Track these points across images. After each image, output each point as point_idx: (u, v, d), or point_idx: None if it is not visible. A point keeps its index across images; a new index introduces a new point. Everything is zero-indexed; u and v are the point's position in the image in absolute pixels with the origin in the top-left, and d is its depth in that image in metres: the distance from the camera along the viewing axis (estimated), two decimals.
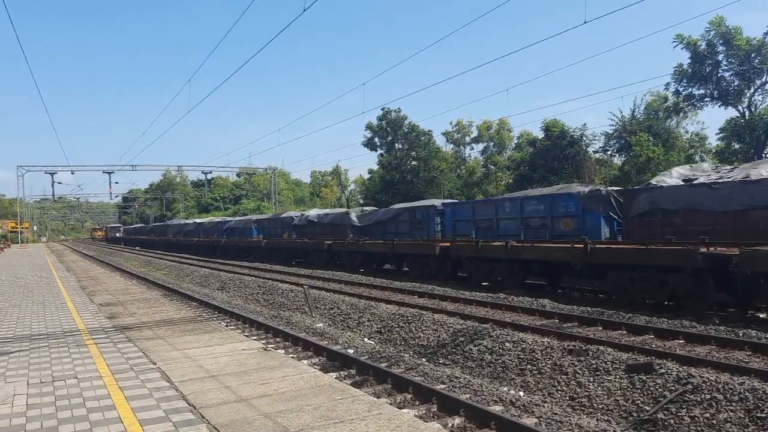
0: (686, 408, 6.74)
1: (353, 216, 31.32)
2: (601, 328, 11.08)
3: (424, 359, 10.26)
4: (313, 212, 38.90)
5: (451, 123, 63.50)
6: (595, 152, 45.54)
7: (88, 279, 22.33)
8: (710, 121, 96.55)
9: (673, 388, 7.20)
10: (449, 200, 32.61)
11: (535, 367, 8.85)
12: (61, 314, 12.08)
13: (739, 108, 35.03)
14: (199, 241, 50.76)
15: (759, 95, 34.52)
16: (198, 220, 64.58)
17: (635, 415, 6.95)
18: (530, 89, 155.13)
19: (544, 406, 7.27)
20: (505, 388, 8.30)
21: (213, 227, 53.63)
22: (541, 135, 46.40)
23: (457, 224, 23.49)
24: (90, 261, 41.71)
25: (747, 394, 6.65)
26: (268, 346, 10.03)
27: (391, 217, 28.27)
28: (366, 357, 10.07)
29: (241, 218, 52.40)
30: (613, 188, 19.29)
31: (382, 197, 54.63)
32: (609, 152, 45.27)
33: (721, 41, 33.23)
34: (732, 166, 18.12)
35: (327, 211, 38.41)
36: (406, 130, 56.48)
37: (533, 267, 16.54)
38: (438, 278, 19.71)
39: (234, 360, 7.35)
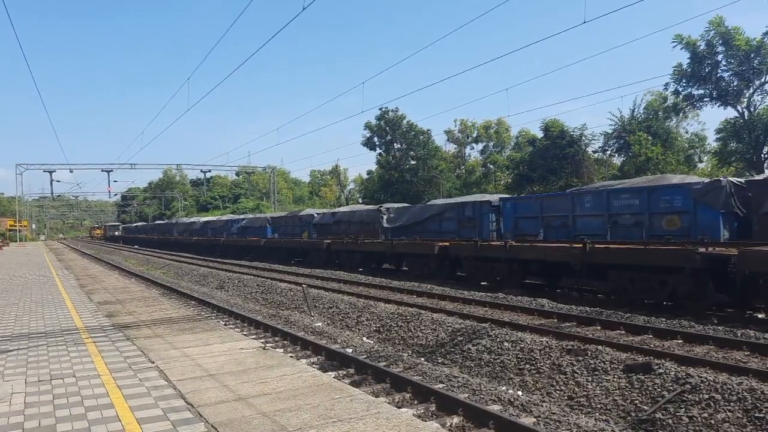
0: (684, 408, 6.74)
1: (386, 213, 28.24)
2: (599, 327, 11.08)
3: (422, 358, 10.26)
4: (342, 209, 35.72)
5: (455, 121, 63.59)
6: (595, 152, 45.61)
7: (87, 277, 22.31)
8: (709, 121, 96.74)
9: (671, 387, 7.20)
10: (505, 195, 29.24)
11: (533, 367, 8.85)
12: (60, 313, 12.07)
13: (738, 108, 35.08)
14: (207, 240, 48.29)
15: (758, 95, 34.59)
16: (205, 219, 61.38)
17: (633, 414, 6.95)
18: (529, 89, 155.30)
19: (542, 406, 7.27)
20: (504, 388, 8.30)
21: (222, 226, 50.89)
22: (540, 135, 46.46)
23: (520, 222, 20.69)
24: (89, 259, 41.68)
25: (745, 394, 6.66)
26: (267, 345, 10.03)
27: (433, 214, 25.05)
28: (365, 356, 10.07)
29: (255, 216, 49.58)
30: (735, 179, 16.03)
31: (381, 196, 54.64)
32: (608, 152, 45.33)
33: (720, 41, 33.27)
34: None
35: (355, 207, 35.22)
36: (404, 130, 56.52)
37: (532, 267, 16.54)
38: (437, 278, 19.71)
39: (233, 359, 7.35)
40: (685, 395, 6.96)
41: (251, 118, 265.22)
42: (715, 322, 10.90)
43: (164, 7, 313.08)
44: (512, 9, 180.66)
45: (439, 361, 10.09)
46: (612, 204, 17.56)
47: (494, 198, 23.28)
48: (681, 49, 34.64)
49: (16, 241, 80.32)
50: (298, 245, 32.50)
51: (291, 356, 9.58)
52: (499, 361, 9.37)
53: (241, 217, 52.17)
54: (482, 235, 21.38)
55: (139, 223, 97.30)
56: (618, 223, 17.25)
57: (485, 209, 22.61)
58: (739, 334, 9.77)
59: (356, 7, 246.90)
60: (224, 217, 57.13)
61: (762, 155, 33.89)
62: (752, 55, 32.60)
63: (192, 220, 64.29)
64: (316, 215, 35.30)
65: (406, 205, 31.33)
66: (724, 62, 33.96)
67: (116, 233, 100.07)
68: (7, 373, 6.85)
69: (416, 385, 7.81)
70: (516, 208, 21.33)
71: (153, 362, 7.25)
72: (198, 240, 50.70)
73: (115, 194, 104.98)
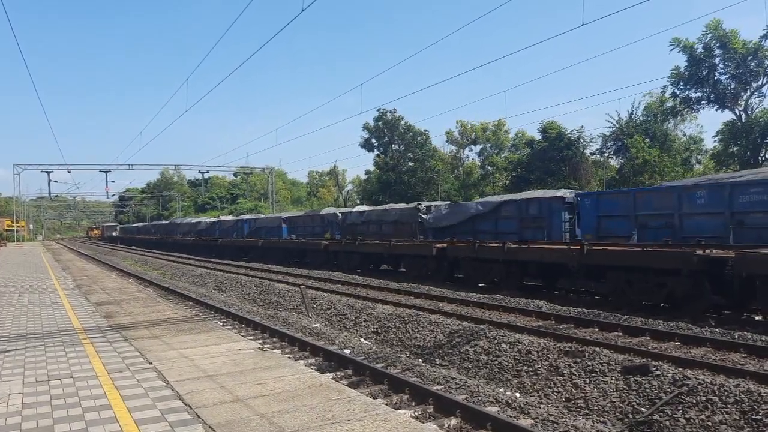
0: (682, 410, 6.75)
1: (427, 212, 25.63)
2: (597, 329, 11.09)
3: (420, 360, 10.27)
4: (372, 208, 33.14)
5: (457, 122, 63.59)
6: (592, 154, 45.68)
7: (84, 278, 22.28)
8: (706, 123, 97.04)
9: (668, 389, 7.21)
10: (585, 191, 26.59)
11: (531, 369, 8.86)
12: (57, 313, 12.05)
13: (736, 111, 35.15)
14: (214, 242, 44.90)
15: (755, 98, 34.66)
16: (210, 219, 58.29)
17: (631, 416, 6.96)
18: (528, 91, 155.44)
19: (540, 408, 7.28)
20: (502, 389, 8.31)
21: (232, 226, 48.16)
22: (538, 137, 46.52)
23: (604, 221, 17.78)
24: (86, 260, 41.61)
25: (742, 396, 6.68)
26: (265, 346, 10.02)
27: (487, 212, 22.18)
28: (362, 357, 10.06)
29: (269, 216, 46.95)
30: None
31: (379, 197, 54.66)
32: (606, 154, 45.40)
33: (717, 44, 33.34)
34: None
35: (388, 206, 32.04)
36: (402, 131, 56.55)
37: (530, 268, 16.55)
38: (435, 279, 19.71)
39: (230, 360, 7.34)
40: (683, 397, 6.98)
41: (250, 118, 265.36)
42: (713, 324, 10.92)
43: (163, 8, 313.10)
44: (511, 11, 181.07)
45: (437, 362, 10.09)
46: (736, 200, 14.63)
47: (567, 193, 20.62)
48: (678, 52, 34.71)
49: (14, 242, 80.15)
50: (296, 246, 32.43)
51: (289, 357, 9.58)
52: (496, 362, 9.38)
53: (253, 216, 49.57)
54: (552, 237, 18.99)
55: (140, 224, 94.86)
56: (745, 224, 14.42)
57: (555, 206, 19.70)
58: (736, 336, 9.79)
59: (355, 8, 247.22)
60: (233, 217, 54.56)
61: (759, 157, 33.97)
62: (749, 58, 32.68)
63: (197, 220, 61.44)
64: (340, 214, 33.02)
65: (451, 202, 29.13)
66: (721, 65, 34.04)
67: (114, 234, 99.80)
68: (5, 374, 6.84)
69: (414, 386, 7.82)
70: (599, 205, 18.29)
71: (151, 363, 7.25)
72: (205, 241, 48.09)
73: (113, 195, 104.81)
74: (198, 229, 54.88)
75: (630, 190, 23.00)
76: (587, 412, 7.30)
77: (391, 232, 26.86)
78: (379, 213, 29.55)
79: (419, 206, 26.25)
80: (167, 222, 75.54)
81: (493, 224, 21.89)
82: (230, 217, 57.48)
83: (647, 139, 40.55)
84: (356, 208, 35.67)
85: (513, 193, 25.29)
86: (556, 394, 7.98)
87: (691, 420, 6.51)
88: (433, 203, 28.11)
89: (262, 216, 48.31)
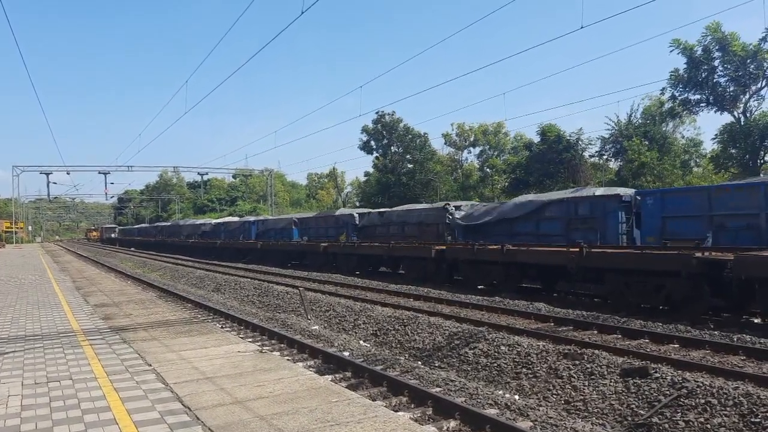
0: (681, 412, 6.75)
1: (457, 212, 23.68)
2: (596, 332, 11.09)
3: (419, 362, 10.26)
4: (393, 209, 30.87)
5: (452, 125, 63.68)
6: (591, 156, 45.73)
7: (83, 280, 22.26)
8: (706, 126, 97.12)
9: (667, 392, 7.22)
10: (644, 189, 24.14)
11: (530, 371, 8.86)
12: (56, 315, 12.04)
13: (735, 113, 35.21)
14: (221, 244, 43.43)
15: (754, 101, 34.73)
16: (216, 221, 56.07)
17: (630, 419, 6.96)
18: (527, 93, 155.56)
19: (539, 410, 7.28)
20: (501, 392, 8.31)
21: (238, 228, 46.23)
22: (537, 139, 46.58)
23: (671, 222, 15.91)
24: (85, 261, 41.57)
25: (741, 398, 6.68)
26: (264, 348, 10.02)
27: (528, 212, 20.35)
28: (361, 359, 10.06)
29: (279, 217, 44.76)
30: None
31: (378, 200, 54.70)
32: (605, 157, 45.46)
33: (717, 47, 33.41)
34: None
35: (412, 206, 30.16)
36: (401, 133, 56.62)
37: (529, 271, 16.55)
38: (434, 281, 19.71)
39: (229, 362, 7.34)
40: (682, 400, 6.98)
41: (249, 120, 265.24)
42: (712, 326, 10.93)
43: (162, 8, 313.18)
44: (510, 13, 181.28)
45: (436, 364, 10.09)
46: None
47: (624, 191, 18.68)
48: (678, 54, 34.79)
49: (13, 243, 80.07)
50: (295, 248, 32.41)
51: (288, 359, 9.57)
52: (495, 364, 9.38)
53: (262, 218, 47.65)
54: (606, 240, 17.26)
55: (141, 225, 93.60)
56: None
57: (611, 206, 17.72)
58: (735, 339, 9.80)
59: (354, 9, 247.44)
60: (240, 219, 52.72)
61: (758, 160, 34.02)
62: (748, 61, 32.74)
63: (202, 221, 59.30)
64: (356, 215, 31.32)
65: (473, 202, 27.50)
66: (720, 68, 34.11)
67: (112, 235, 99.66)
68: (4, 376, 6.83)
69: (413, 388, 7.81)
70: (664, 204, 16.28)
71: (150, 365, 7.24)
72: (209, 243, 46.41)
73: (112, 196, 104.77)
74: (202, 230, 53.28)
75: (705, 186, 19.95)
76: (586, 414, 7.30)
77: (416, 234, 25.20)
78: (401, 214, 27.61)
79: (448, 206, 24.44)
80: (170, 223, 73.81)
81: (534, 226, 20.10)
82: (235, 218, 56.00)
83: (646, 142, 40.60)
84: (390, 209, 33.26)
85: (560, 192, 22.78)
86: (555, 396, 7.98)
87: (690, 423, 6.51)
88: (464, 203, 26.21)
89: (272, 217, 46.28)
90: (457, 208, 24.03)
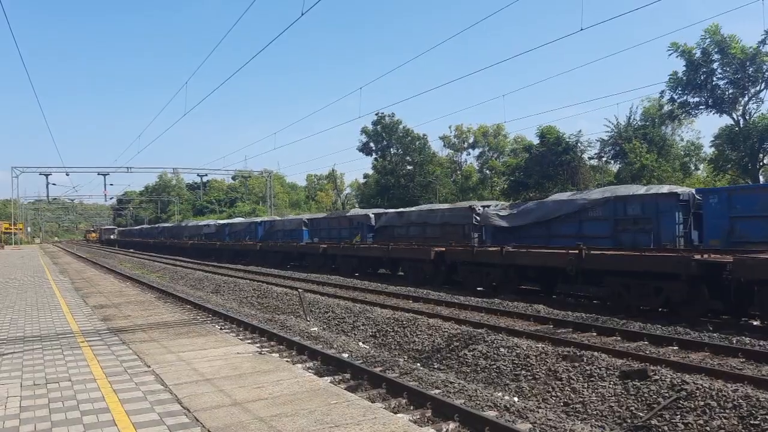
0: (680, 415, 6.76)
1: (486, 212, 21.91)
2: (595, 334, 11.10)
3: (418, 364, 10.26)
4: (414, 209, 28.90)
5: (450, 127, 63.79)
6: (590, 158, 45.79)
7: (82, 281, 22.25)
8: (705, 129, 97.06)
9: (667, 394, 7.22)
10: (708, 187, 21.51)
11: (529, 373, 8.86)
12: (55, 316, 12.03)
13: (734, 116, 35.25)
14: (226, 246, 42.50)
15: (753, 103, 34.76)
16: (221, 221, 54.58)
17: (629, 421, 6.96)
18: (526, 95, 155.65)
19: (538, 412, 7.27)
20: (500, 394, 8.30)
21: (244, 229, 44.98)
22: (536, 141, 46.62)
23: (740, 224, 14.43)
24: (84, 262, 41.54)
25: (740, 401, 6.68)
26: (263, 349, 10.01)
27: (570, 212, 18.72)
28: (361, 361, 10.05)
29: (288, 218, 43.00)
30: None
31: (377, 201, 54.71)
32: (604, 159, 45.51)
33: (716, 49, 33.44)
34: None
35: (435, 206, 28.46)
36: (400, 135, 56.68)
37: (528, 273, 16.56)
38: (433, 283, 19.71)
39: (229, 363, 7.34)
40: (681, 402, 6.98)
41: (248, 121, 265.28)
42: (711, 329, 10.94)
43: (163, 10, 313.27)
44: (510, 15, 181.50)
45: (435, 366, 10.09)
46: None
47: (682, 189, 17.13)
48: (677, 56, 34.82)
49: (11, 244, 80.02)
50: (294, 249, 32.38)
51: (287, 361, 9.57)
52: (495, 366, 9.38)
53: (268, 219, 46.14)
54: (660, 241, 15.85)
55: (143, 226, 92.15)
56: None
57: (666, 205, 16.22)
58: (734, 341, 9.81)
59: (354, 11, 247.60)
60: (246, 220, 51.31)
61: (757, 163, 34.06)
62: (747, 64, 32.78)
63: (206, 222, 57.79)
64: (372, 216, 29.74)
65: (518, 202, 25.51)
66: (719, 70, 34.15)
67: (111, 237, 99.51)
68: (3, 377, 6.83)
69: (412, 390, 7.81)
70: (731, 203, 14.71)
71: (149, 366, 7.24)
72: (213, 245, 45.42)
73: (111, 198, 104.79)
74: (206, 232, 52.11)
75: None
76: (585, 416, 7.30)
77: (438, 235, 23.69)
78: (422, 214, 25.99)
79: (474, 206, 22.98)
80: (172, 225, 72.57)
81: (576, 227, 18.55)
82: (240, 219, 54.93)
83: (645, 144, 40.65)
84: (410, 208, 31.44)
85: (611, 187, 20.76)
86: (554, 398, 7.98)
87: (690, 425, 6.51)
88: (492, 203, 24.89)
89: (280, 218, 44.50)
90: (486, 208, 22.55)
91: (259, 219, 47.19)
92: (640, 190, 18.01)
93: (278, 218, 44.33)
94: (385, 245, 23.36)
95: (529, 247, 17.01)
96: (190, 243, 50.84)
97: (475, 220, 22.18)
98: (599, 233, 17.69)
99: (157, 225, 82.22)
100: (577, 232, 18.39)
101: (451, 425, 6.72)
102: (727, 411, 6.59)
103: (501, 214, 21.26)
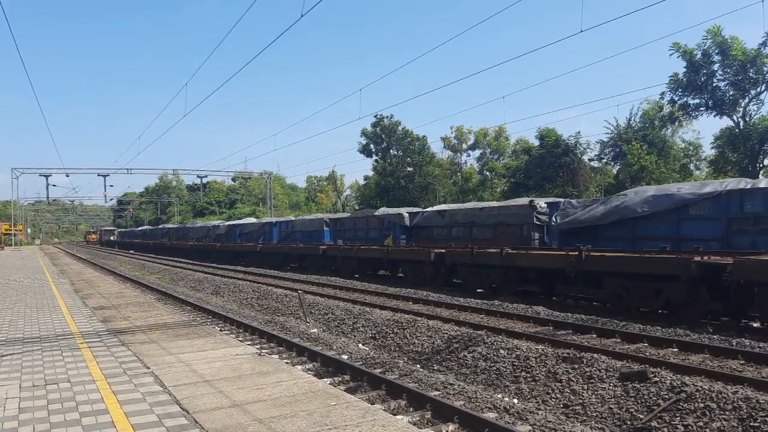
0: (680, 416, 6.75)
1: (551, 210, 19.29)
2: (595, 335, 11.09)
3: (418, 365, 10.25)
4: (458, 206, 26.31)
5: (451, 128, 63.85)
6: (591, 160, 45.82)
7: (82, 282, 22.24)
8: (705, 130, 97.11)
9: (666, 396, 7.21)
10: None
11: (529, 375, 8.85)
12: (55, 317, 12.03)
13: (734, 118, 35.26)
14: (238, 248, 40.39)
15: (753, 105, 34.79)
16: (230, 222, 52.54)
17: (629, 423, 6.95)
18: (526, 97, 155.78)
19: (538, 414, 7.27)
20: (500, 395, 8.30)
21: (257, 230, 42.35)
22: (536, 143, 46.67)
23: None
24: (84, 264, 41.53)
25: (740, 403, 6.67)
26: (263, 351, 10.02)
27: (665, 209, 15.95)
28: (360, 363, 10.05)
29: (308, 218, 40.55)
30: None
31: (377, 203, 54.74)
32: (604, 160, 45.53)
33: (717, 51, 33.47)
34: None
35: (485, 204, 25.74)
36: (400, 136, 56.72)
37: (528, 274, 16.54)
38: (433, 285, 19.69)
39: (228, 365, 7.33)
40: (681, 404, 6.97)
41: (248, 123, 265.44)
42: (711, 330, 10.93)
43: (163, 11, 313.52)
44: (510, 17, 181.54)
45: (435, 368, 10.08)
46: None
47: None
48: (678, 57, 34.85)
49: (12, 246, 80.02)
50: (294, 251, 32.32)
51: (287, 362, 9.56)
52: (494, 368, 9.37)
53: (284, 219, 43.55)
54: None
55: (146, 227, 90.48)
56: None
57: None
58: (734, 343, 9.79)
59: (354, 12, 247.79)
60: (260, 220, 48.90)
61: (757, 164, 34.07)
62: (748, 65, 32.80)
63: (215, 223, 55.44)
64: (406, 215, 27.28)
65: (590, 198, 23.27)
66: (720, 72, 34.17)
67: (111, 238, 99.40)
68: (2, 378, 6.82)
69: (412, 392, 7.80)
70: None
71: (148, 368, 7.23)
72: (225, 247, 43.44)
73: (111, 199, 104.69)
74: (216, 233, 49.78)
75: None
76: (585, 418, 7.29)
77: (489, 236, 21.07)
78: (468, 213, 23.24)
79: (535, 203, 20.15)
80: (177, 226, 70.36)
81: (673, 227, 15.86)
82: (252, 220, 52.83)
83: (645, 146, 40.66)
84: (454, 205, 28.92)
85: (711, 182, 16.85)
86: (554, 400, 7.97)
87: (689, 427, 6.50)
88: (557, 200, 22.04)
89: (299, 218, 41.59)
90: (551, 205, 19.81)
91: (274, 219, 44.87)
92: (761, 182, 14.97)
93: (298, 218, 41.80)
94: (385, 246, 23.32)
95: (529, 249, 16.95)
96: (191, 245, 50.43)
97: (537, 219, 19.61)
98: (705, 235, 14.87)
99: (161, 226, 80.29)
100: (673, 233, 15.81)
101: (451, 427, 6.71)
102: (727, 413, 6.58)
103: (569, 212, 18.55)
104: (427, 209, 27.19)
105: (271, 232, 39.59)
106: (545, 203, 20.06)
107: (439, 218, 24.38)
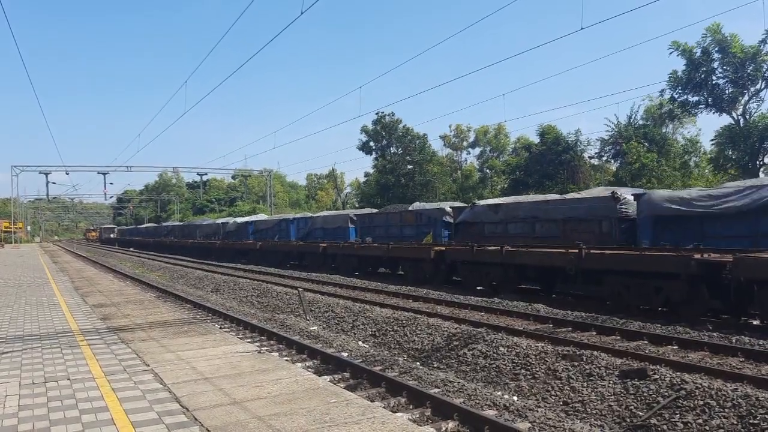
0: (679, 414, 6.75)
1: (643, 201, 16.12)
2: (595, 333, 11.10)
3: (418, 363, 10.26)
4: (512, 199, 23.37)
5: (450, 126, 63.80)
6: (591, 158, 45.75)
7: (82, 280, 22.24)
8: (705, 128, 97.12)
9: (666, 393, 7.21)
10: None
11: (528, 372, 8.86)
12: (55, 315, 12.03)
13: (734, 115, 35.22)
14: (249, 246, 37.71)
15: (753, 103, 34.72)
16: (242, 219, 48.73)
17: (628, 420, 6.96)
18: (527, 94, 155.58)
19: (537, 411, 7.27)
20: (499, 393, 8.30)
21: (272, 228, 39.50)
22: (536, 140, 46.62)
23: None
24: (84, 262, 41.54)
25: (740, 400, 6.68)
26: (263, 348, 10.02)
27: None
28: (360, 360, 10.05)
29: (330, 214, 37.04)
30: None
31: (377, 200, 54.71)
32: (604, 158, 45.48)
33: (716, 48, 33.41)
34: None
35: (552, 196, 22.80)
36: (400, 134, 56.66)
37: (528, 272, 16.54)
38: (433, 282, 19.70)
39: (228, 362, 7.33)
40: (680, 401, 6.98)
41: (248, 121, 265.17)
42: (710, 328, 10.93)
43: (162, 9, 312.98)
44: (510, 14, 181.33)
45: (435, 365, 10.08)
46: None
47: None
48: (678, 55, 34.77)
49: (11, 243, 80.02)
50: (294, 248, 32.28)
51: (286, 360, 9.57)
52: (494, 366, 9.37)
53: (302, 215, 40.40)
54: None
55: (149, 225, 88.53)
56: None
57: None
58: (733, 341, 9.80)
59: (354, 10, 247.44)
60: (275, 217, 45.83)
61: (757, 162, 34.03)
62: (747, 63, 32.75)
63: (224, 220, 52.58)
64: (450, 209, 24.49)
65: (685, 188, 20.00)
66: (719, 69, 34.11)
67: (111, 236, 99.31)
68: (1, 376, 6.82)
69: (412, 389, 7.81)
70: None
71: (148, 365, 7.23)
72: (225, 245, 42.23)
73: (111, 197, 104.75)
74: (226, 230, 46.83)
75: None
76: (585, 415, 7.30)
77: (557, 234, 18.28)
78: (530, 207, 20.15)
79: (618, 194, 17.04)
80: (183, 223, 67.29)
81: None
82: (263, 216, 50.25)
83: (645, 144, 40.61)
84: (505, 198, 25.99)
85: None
86: (553, 397, 7.98)
87: (689, 424, 6.51)
88: (643, 191, 18.91)
89: (320, 214, 38.06)
90: (639, 197, 16.52)
91: (291, 216, 41.82)
92: None
93: (318, 215, 38.39)
94: (385, 244, 23.26)
95: (529, 246, 16.95)
96: (191, 242, 50.14)
97: (621, 213, 16.67)
98: None
99: (166, 223, 77.24)
100: None
101: (451, 424, 6.71)
102: (727, 410, 6.59)
103: (672, 200, 15.37)
104: (478, 203, 23.98)
105: (288, 230, 37.11)
106: (632, 195, 17.12)
107: (492, 213, 21.42)
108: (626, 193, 17.31)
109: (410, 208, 28.49)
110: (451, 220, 23.80)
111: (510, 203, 22.11)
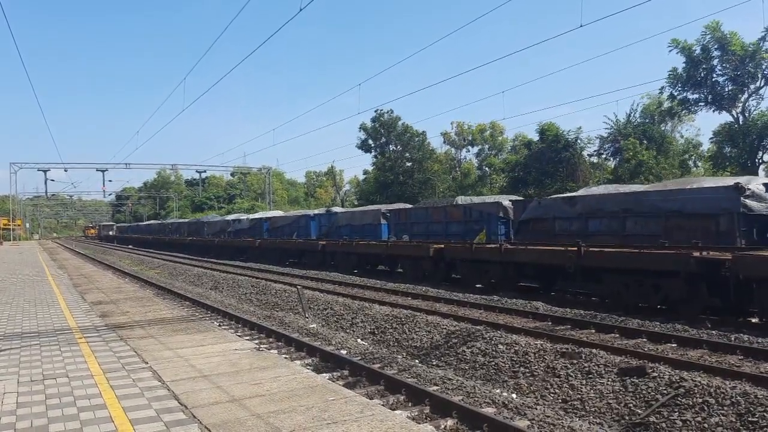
0: (678, 411, 6.75)
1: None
2: (594, 331, 11.09)
3: (417, 361, 10.25)
4: (620, 190, 18.53)
5: (452, 124, 63.76)
6: (590, 155, 45.72)
7: (81, 277, 22.21)
8: (704, 125, 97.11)
9: (665, 391, 7.21)
10: None
11: (527, 370, 8.86)
12: (53, 312, 12.01)
13: (733, 113, 35.21)
14: (269, 244, 34.76)
15: (753, 100, 34.71)
16: (256, 215, 46.48)
17: (627, 418, 6.96)
18: (527, 92, 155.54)
19: (536, 409, 7.27)
20: (498, 390, 8.30)
21: (290, 225, 36.54)
22: (536, 138, 46.56)
23: None
24: (82, 259, 41.51)
25: (739, 398, 6.68)
26: (261, 346, 10.02)
27: None
28: (359, 358, 10.05)
29: (360, 210, 34.50)
30: None
31: (376, 198, 54.67)
32: (603, 156, 45.46)
33: (716, 46, 33.39)
34: None
35: (651, 187, 18.59)
36: (399, 132, 56.62)
37: (527, 270, 16.53)
38: (432, 280, 19.68)
39: (226, 360, 7.32)
40: (679, 399, 6.98)
41: (247, 118, 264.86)
42: (709, 326, 10.93)
43: (161, 7, 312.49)
44: (510, 12, 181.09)
45: (434, 363, 10.08)
46: None
47: None
48: (677, 53, 34.75)
49: (10, 241, 79.95)
50: (293, 246, 32.21)
51: (285, 357, 9.56)
52: (493, 363, 9.37)
53: (325, 211, 37.67)
54: None
55: (152, 222, 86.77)
56: None
57: None
58: (732, 339, 9.80)
59: (353, 7, 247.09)
60: (295, 213, 42.76)
61: (757, 160, 34.03)
62: (747, 60, 32.72)
63: (234, 217, 49.92)
64: (508, 205, 21.27)
65: None
66: (719, 67, 34.08)
67: (110, 233, 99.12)
68: (0, 373, 6.81)
69: (411, 387, 7.81)
70: None
71: (146, 363, 7.22)
72: (224, 243, 40.72)
73: (110, 194, 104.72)
74: (237, 228, 44.20)
75: None
76: (584, 413, 7.30)
77: (656, 231, 15.20)
78: (621, 199, 16.82)
79: (741, 185, 13.83)
80: (189, 220, 64.32)
81: None
82: (278, 213, 47.47)
83: (644, 141, 40.59)
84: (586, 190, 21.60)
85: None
86: (552, 395, 7.98)
87: (688, 422, 6.51)
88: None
89: (348, 210, 35.73)
90: None
91: (312, 212, 39.04)
92: None
93: (346, 210, 36.22)
94: (384, 242, 23.16)
95: (528, 244, 16.95)
96: (189, 240, 49.96)
97: (745, 208, 13.75)
98: None
99: (171, 221, 74.67)
100: None
101: (450, 422, 6.71)
102: (726, 408, 6.58)
103: None
104: (548, 198, 21.20)
105: (308, 227, 34.21)
106: (763, 184, 14.26)
107: (567, 207, 18.23)
108: (758, 183, 14.29)
109: (459, 203, 25.38)
110: (509, 217, 21.07)
111: (592, 195, 18.69)
